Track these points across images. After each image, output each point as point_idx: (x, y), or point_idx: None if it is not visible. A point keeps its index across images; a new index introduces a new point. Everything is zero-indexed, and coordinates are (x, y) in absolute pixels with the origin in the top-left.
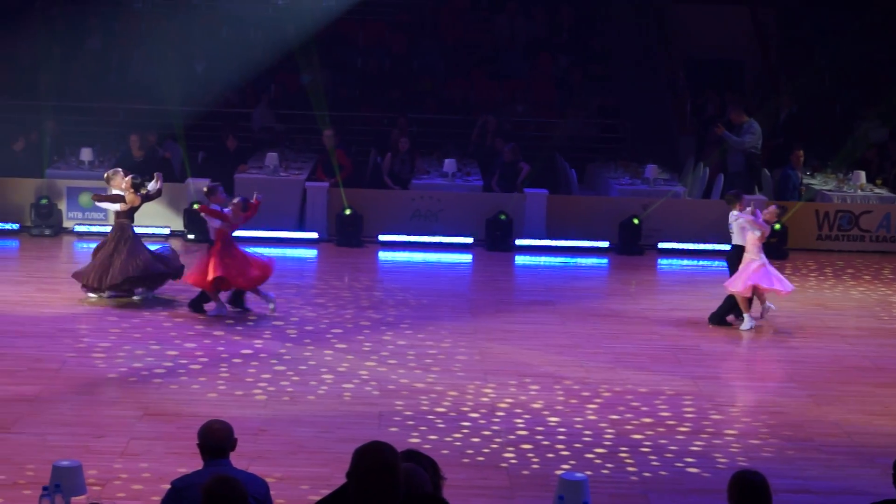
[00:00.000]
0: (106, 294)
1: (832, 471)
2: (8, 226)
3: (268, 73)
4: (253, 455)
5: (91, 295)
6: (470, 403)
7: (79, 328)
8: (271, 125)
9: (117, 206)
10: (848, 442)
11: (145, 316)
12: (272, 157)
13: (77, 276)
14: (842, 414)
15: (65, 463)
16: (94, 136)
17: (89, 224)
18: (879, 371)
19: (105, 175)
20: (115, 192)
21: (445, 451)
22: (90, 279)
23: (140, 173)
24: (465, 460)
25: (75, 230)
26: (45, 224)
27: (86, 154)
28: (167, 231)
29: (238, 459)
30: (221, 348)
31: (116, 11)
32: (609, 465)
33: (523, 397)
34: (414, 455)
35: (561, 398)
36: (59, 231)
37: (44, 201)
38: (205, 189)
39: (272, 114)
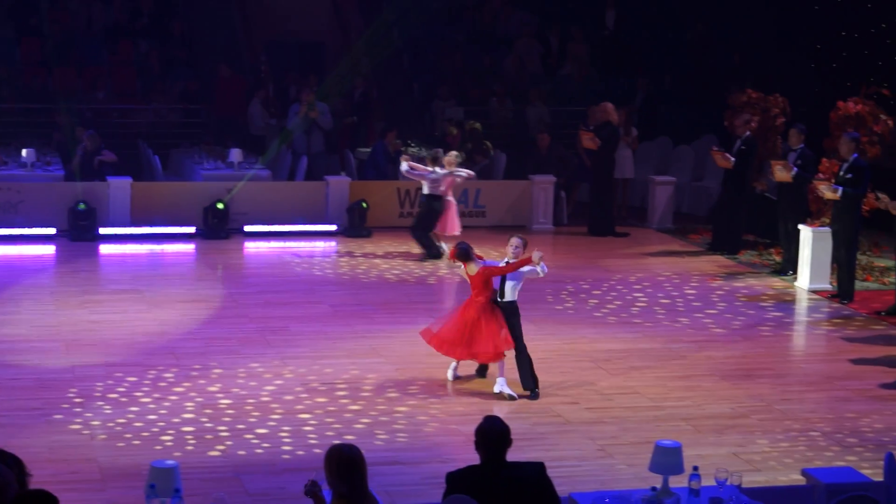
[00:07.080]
0: None
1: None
2: None
3: None
4: None
5: None
6: (70, 395)
7: None
8: None
9: None
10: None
11: None
12: None
13: None
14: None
15: None
16: None
17: None
18: None
19: None
20: None
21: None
22: None
23: None
24: (55, 455)
25: None
26: None
27: None
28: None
29: None
30: None
31: None
32: (203, 450)
33: (112, 387)
34: None
35: (149, 386)
36: None
37: None
38: None
39: None
